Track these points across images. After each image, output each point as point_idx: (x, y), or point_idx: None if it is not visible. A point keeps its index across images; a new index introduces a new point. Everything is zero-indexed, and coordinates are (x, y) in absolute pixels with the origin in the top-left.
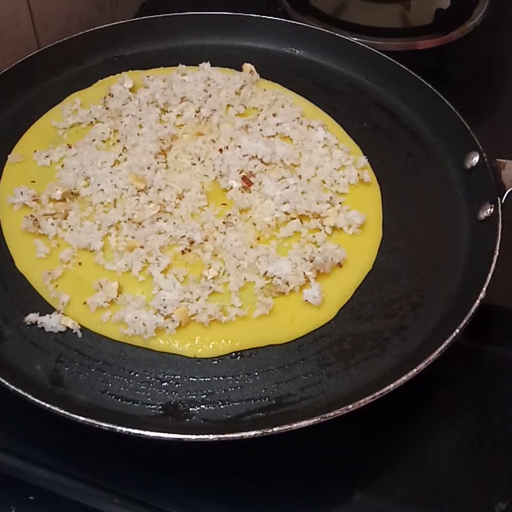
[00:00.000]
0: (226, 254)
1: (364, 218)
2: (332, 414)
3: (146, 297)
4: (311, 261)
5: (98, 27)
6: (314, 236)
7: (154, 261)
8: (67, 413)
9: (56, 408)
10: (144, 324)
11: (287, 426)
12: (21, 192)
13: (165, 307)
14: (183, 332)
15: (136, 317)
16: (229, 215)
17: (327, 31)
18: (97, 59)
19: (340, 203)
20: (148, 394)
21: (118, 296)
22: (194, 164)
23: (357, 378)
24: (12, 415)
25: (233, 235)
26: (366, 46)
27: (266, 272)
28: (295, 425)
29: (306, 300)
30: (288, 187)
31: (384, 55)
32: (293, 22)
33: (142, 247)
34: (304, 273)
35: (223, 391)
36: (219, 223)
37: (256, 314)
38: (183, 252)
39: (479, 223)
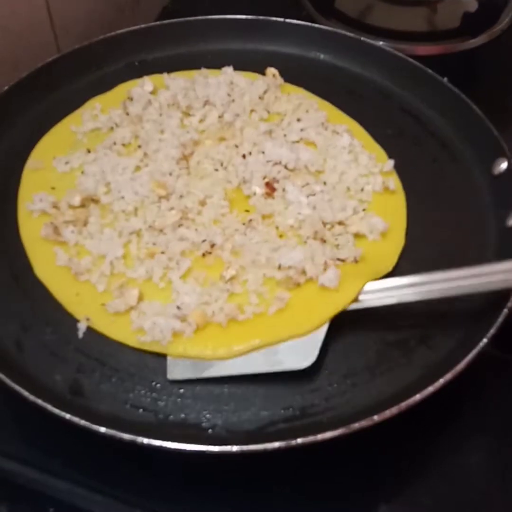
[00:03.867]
0: (244, 249)
1: (387, 226)
2: (357, 425)
3: (165, 303)
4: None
5: (119, 31)
6: (336, 239)
7: (174, 266)
8: (88, 423)
9: (77, 419)
10: (161, 330)
11: (311, 437)
12: (41, 199)
13: (181, 309)
14: (201, 334)
15: (154, 323)
16: (251, 220)
17: (352, 35)
18: (118, 63)
19: (364, 210)
20: (169, 404)
21: (138, 303)
22: (217, 170)
23: (382, 388)
24: (31, 426)
25: (254, 234)
26: (392, 50)
27: (280, 265)
28: (320, 436)
29: (322, 284)
30: (314, 195)
31: (410, 59)
32: (318, 25)
33: (163, 252)
34: (325, 261)
35: (245, 401)
36: (239, 226)
37: (272, 310)
38: (203, 255)
39: (507, 230)
